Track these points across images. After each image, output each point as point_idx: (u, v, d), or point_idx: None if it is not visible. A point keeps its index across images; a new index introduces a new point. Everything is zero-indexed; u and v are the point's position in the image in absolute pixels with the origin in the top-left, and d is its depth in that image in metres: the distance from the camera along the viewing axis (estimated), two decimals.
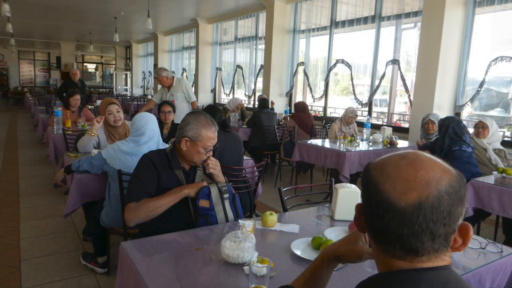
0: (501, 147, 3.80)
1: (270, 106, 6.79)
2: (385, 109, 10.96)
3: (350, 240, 1.01)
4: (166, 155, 2.02)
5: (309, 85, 7.59)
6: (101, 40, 17.53)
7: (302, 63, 7.78)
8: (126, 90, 19.24)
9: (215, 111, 3.27)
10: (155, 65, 14.15)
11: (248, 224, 1.62)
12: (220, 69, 10.91)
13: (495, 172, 3.19)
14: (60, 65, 18.87)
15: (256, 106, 7.09)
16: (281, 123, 6.62)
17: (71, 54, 18.73)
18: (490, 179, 3.08)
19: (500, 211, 2.89)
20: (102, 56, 22.68)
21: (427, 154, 0.75)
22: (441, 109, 5.02)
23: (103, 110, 3.29)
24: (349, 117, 5.22)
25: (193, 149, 1.95)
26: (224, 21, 10.38)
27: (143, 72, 17.13)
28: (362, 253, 0.97)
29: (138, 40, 16.98)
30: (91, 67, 23.02)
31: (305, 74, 7.68)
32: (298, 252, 1.56)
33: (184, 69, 12.89)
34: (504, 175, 3.06)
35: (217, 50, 10.96)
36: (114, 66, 21.61)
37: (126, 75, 19.77)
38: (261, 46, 8.83)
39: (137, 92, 17.69)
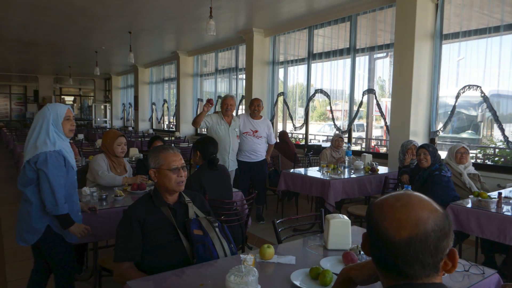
0: (475, 171, 4.03)
1: None
2: (363, 134, 11.30)
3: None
4: (149, 197, 2.10)
5: (289, 114, 7.83)
6: (80, 73, 17.55)
7: (282, 93, 8.04)
8: (106, 122, 19.16)
9: (207, 144, 3.18)
10: (136, 97, 14.23)
11: (249, 258, 1.72)
12: (201, 100, 11.07)
13: (471, 196, 3.38)
14: (38, 99, 18.69)
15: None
16: None
17: (49, 87, 18.63)
18: (467, 202, 3.26)
19: (478, 232, 3.07)
20: (80, 89, 22.59)
21: (419, 195, 0.91)
22: (417, 136, 5.27)
23: (112, 141, 3.44)
24: (335, 141, 5.64)
25: (161, 175, 2.05)
26: (205, 53, 10.65)
27: (123, 104, 17.15)
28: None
29: (118, 72, 17.06)
30: (68, 99, 22.84)
31: (285, 103, 7.93)
32: (297, 283, 1.66)
33: (165, 101, 12.98)
34: (479, 198, 3.24)
35: (198, 81, 11.16)
36: (92, 98, 21.54)
37: (105, 107, 19.71)
38: (241, 76, 9.08)
39: (117, 124, 17.64)
